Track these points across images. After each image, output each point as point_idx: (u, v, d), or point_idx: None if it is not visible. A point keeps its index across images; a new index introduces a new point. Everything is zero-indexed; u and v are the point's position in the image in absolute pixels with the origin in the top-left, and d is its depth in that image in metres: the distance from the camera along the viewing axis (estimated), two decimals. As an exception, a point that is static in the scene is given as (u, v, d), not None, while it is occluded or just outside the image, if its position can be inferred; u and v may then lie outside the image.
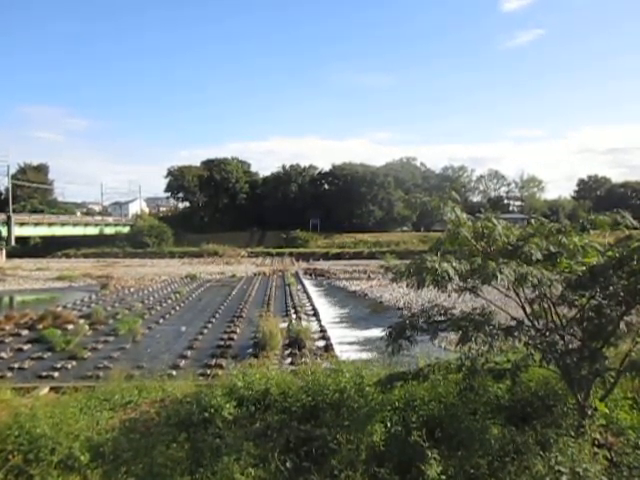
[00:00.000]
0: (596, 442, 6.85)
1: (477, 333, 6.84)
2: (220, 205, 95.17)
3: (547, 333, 7.23)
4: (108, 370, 14.47)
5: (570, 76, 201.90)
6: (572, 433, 6.88)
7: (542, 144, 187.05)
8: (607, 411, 7.48)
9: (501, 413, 7.95)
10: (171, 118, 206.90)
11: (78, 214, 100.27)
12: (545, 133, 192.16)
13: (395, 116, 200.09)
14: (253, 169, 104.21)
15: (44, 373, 14.89)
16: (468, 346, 7.26)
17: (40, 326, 21.58)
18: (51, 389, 12.46)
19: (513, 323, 7.33)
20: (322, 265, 62.48)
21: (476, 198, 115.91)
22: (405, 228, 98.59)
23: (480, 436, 7.21)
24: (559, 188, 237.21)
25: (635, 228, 7.46)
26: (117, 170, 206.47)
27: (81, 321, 23.01)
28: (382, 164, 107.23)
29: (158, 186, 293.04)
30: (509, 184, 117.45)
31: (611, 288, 6.80)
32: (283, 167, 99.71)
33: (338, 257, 73.58)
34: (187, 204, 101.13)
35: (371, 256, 67.49)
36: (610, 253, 7.24)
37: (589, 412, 7.20)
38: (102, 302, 30.55)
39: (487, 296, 7.92)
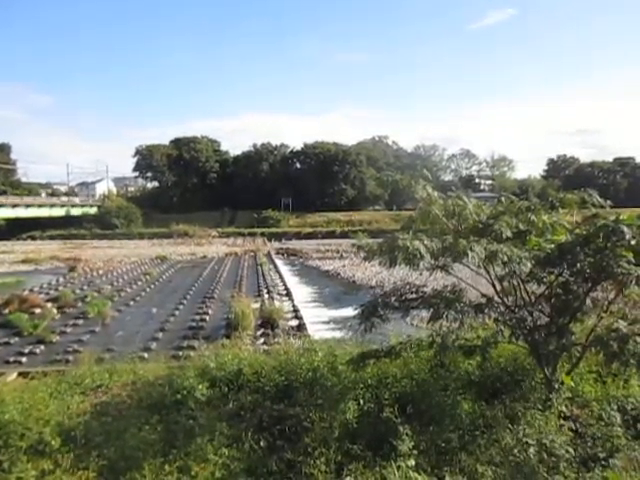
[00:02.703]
0: (562, 414, 7.08)
1: (448, 310, 6.96)
2: (190, 185, 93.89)
3: (516, 310, 7.40)
4: (78, 354, 14.25)
5: (542, 52, 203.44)
6: (539, 406, 7.09)
7: (513, 124, 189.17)
8: (573, 384, 7.72)
9: (471, 389, 8.14)
10: (139, 94, 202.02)
11: (43, 195, 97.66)
12: (516, 113, 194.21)
13: (370, 93, 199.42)
14: (223, 148, 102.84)
15: (11, 359, 14.59)
16: (439, 323, 7.39)
17: (6, 311, 21.10)
18: (19, 374, 12.26)
19: (483, 300, 7.47)
20: (294, 245, 62.46)
21: (448, 177, 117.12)
22: (377, 207, 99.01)
23: (451, 411, 7.38)
24: (529, 168, 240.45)
25: (602, 207, 7.63)
26: (83, 149, 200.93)
27: (49, 305, 22.58)
28: (354, 142, 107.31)
29: (126, 165, 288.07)
30: (480, 163, 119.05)
31: (578, 265, 6.96)
32: (254, 146, 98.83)
33: (310, 237, 73.56)
34: (156, 184, 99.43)
35: (344, 235, 67.50)
36: (578, 231, 7.41)
37: (556, 386, 7.42)
38: (70, 285, 30.01)
39: (458, 274, 8.04)
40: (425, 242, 6.77)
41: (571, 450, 6.05)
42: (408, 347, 8.18)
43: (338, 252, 52.59)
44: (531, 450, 5.94)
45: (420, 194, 7.62)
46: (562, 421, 6.93)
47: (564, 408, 7.22)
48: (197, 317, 20.15)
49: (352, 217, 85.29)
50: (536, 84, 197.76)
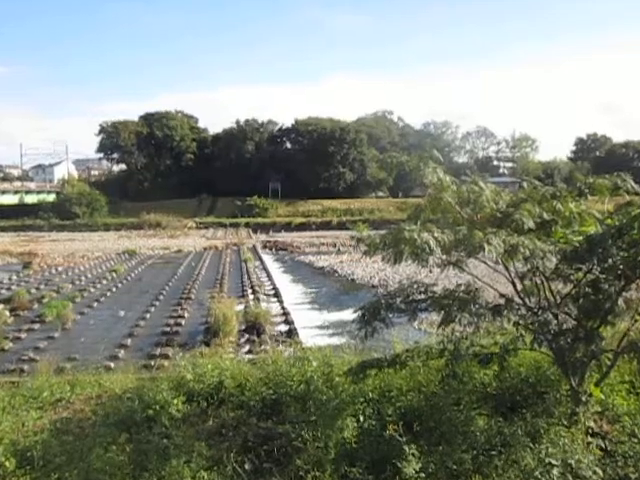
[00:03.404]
0: (590, 431, 7.16)
1: (461, 313, 7.00)
2: (162, 167, 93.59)
3: (539, 312, 7.44)
4: (34, 363, 14.26)
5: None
6: (564, 422, 7.16)
7: (536, 98, 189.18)
8: (602, 397, 7.79)
9: (487, 402, 8.20)
10: (105, 65, 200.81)
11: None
12: (540, 85, 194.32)
13: (372, 62, 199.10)
14: (201, 125, 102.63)
15: (-45, 368, 14.60)
16: (451, 328, 7.43)
17: (-52, 313, 21.05)
18: (-35, 387, 12.25)
19: (502, 301, 7.51)
20: (284, 237, 62.48)
21: (462, 159, 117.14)
22: (380, 193, 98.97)
23: (464, 428, 7.44)
24: (554, 148, 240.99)
25: (636, 193, 7.65)
26: (40, 127, 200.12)
27: (0, 307, 22.56)
28: (353, 119, 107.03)
29: (89, 145, 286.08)
30: (499, 143, 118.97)
31: (610, 260, 6.99)
32: (237, 122, 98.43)
33: (303, 228, 73.55)
34: (123, 167, 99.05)
35: (341, 226, 67.65)
36: (609, 221, 7.44)
37: (583, 398, 7.48)
38: (25, 284, 29.94)
39: (473, 271, 8.08)
40: (435, 234, 6.79)
41: (599, 471, 6.12)
42: (415, 355, 8.23)
43: (335, 246, 52.56)
44: (555, 472, 6.01)
45: (430, 178, 7.63)
46: (590, 438, 7.00)
47: (592, 424, 7.29)
48: (171, 321, 20.17)
49: (351, 205, 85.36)
50: (563, 53, 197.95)
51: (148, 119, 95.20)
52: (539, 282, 7.64)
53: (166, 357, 15.35)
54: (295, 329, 18.94)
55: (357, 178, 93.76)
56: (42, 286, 29.11)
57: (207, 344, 16.06)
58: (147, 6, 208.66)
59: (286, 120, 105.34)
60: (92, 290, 27.71)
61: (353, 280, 32.68)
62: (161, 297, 25.48)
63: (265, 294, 26.52)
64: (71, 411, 8.97)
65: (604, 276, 7.17)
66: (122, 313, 22.02)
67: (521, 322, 7.36)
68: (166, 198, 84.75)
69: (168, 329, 18.99)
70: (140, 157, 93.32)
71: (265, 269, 36.35)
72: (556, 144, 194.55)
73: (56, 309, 21.30)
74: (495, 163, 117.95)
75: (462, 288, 7.69)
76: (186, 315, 21.32)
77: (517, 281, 7.76)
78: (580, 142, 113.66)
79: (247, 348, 16.62)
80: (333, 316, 22.23)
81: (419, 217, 7.87)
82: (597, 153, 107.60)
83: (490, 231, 6.91)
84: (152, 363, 14.40)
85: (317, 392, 8.39)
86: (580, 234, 7.41)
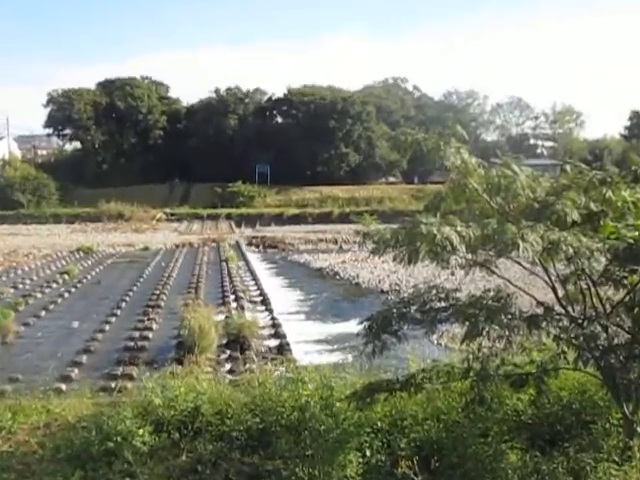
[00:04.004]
0: (647, 469, 7.17)
1: (490, 324, 7.00)
2: (126, 146, 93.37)
3: (585, 323, 7.44)
4: (-34, 385, 14.26)
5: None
6: (615, 458, 7.18)
7: (582, 60, 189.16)
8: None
9: (521, 433, 8.22)
10: (55, 22, 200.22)
11: None
12: (587, 45, 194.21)
13: (382, 15, 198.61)
14: (173, 94, 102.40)
15: None
16: (478, 343, 7.43)
17: None
18: None
19: (539, 310, 7.51)
20: (274, 232, 62.41)
21: (491, 136, 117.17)
22: (391, 179, 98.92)
23: (493, 465, 7.45)
24: (605, 124, 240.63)
25: None
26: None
27: None
28: (359, 87, 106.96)
29: (35, 118, 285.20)
30: (536, 117, 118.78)
31: (672, 261, 7.00)
32: (216, 91, 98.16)
33: (297, 220, 73.46)
34: (78, 145, 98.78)
35: (344, 218, 67.38)
36: (671, 213, 7.44)
37: (638, 429, 7.49)
38: (-45, 288, 29.91)
39: (504, 273, 8.08)
40: (459, 228, 6.78)
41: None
42: (434, 376, 8.24)
43: (336, 242, 52.56)
44: (604, 519, 6.02)
45: (452, 160, 7.63)
46: (647, 478, 7.02)
47: (650, 460, 7.30)
48: (136, 334, 20.16)
49: (356, 193, 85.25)
50: (614, 8, 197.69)
51: (108, 87, 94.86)
52: (585, 287, 7.64)
53: (130, 378, 15.34)
54: (287, 344, 18.94)
55: (363, 160, 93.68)
56: (-23, 291, 29.07)
57: (180, 362, 16.04)
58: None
59: (277, 89, 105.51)
60: (39, 296, 27.66)
61: (358, 284, 32.67)
62: (124, 305, 25.45)
63: (251, 301, 26.50)
64: (13, 443, 8.96)
65: (665, 280, 7.18)
66: (76, 324, 22.00)
67: (563, 336, 7.36)
68: (130, 184, 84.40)
69: (132, 344, 18.97)
70: (98, 133, 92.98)
71: (251, 271, 36.32)
72: (606, 119, 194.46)
73: (-6, 319, 21.26)
74: (532, 142, 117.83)
75: (491, 294, 7.69)
76: (154, 327, 21.30)
77: (558, 286, 7.76)
78: (636, 116, 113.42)
79: (228, 367, 16.62)
80: (334, 328, 22.23)
81: (439, 208, 7.86)
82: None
83: (525, 225, 6.90)
84: (112, 385, 14.37)
85: (314, 420, 8.40)
86: (636, 229, 7.39)
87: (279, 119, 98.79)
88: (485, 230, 6.91)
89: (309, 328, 22.59)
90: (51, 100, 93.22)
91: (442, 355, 12.89)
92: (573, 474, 7.13)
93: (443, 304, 7.81)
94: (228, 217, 75.31)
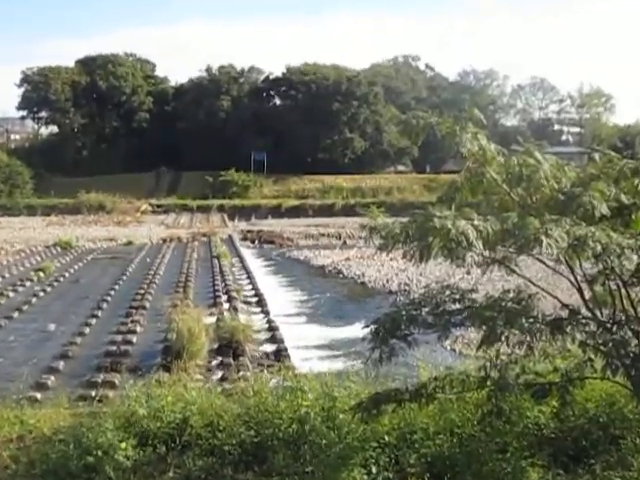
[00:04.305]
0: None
1: (510, 329, 6.99)
2: (108, 130, 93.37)
3: (614, 328, 7.44)
4: None
5: None
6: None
7: (615, 38, 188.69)
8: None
9: (543, 449, 8.22)
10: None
11: None
12: (620, 20, 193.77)
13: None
14: (160, 73, 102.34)
15: None
16: (496, 349, 7.43)
17: None
18: None
19: (564, 313, 7.50)
20: (271, 225, 62.44)
21: (511, 121, 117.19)
22: (401, 167, 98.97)
23: (512, 483, 7.46)
24: (636, 108, 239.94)
25: None
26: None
27: None
28: (366, 66, 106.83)
29: (7, 100, 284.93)
30: (562, 100, 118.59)
31: None
32: (208, 70, 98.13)
33: (296, 213, 73.46)
34: (55, 129, 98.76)
35: (348, 211, 67.27)
36: None
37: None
38: None
39: (526, 272, 8.07)
40: (475, 222, 6.77)
41: None
42: (447, 386, 8.24)
43: (339, 238, 52.60)
44: None
45: (468, 147, 7.61)
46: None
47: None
48: (119, 338, 20.17)
49: (362, 183, 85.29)
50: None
51: (88, 65, 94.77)
52: (614, 288, 7.63)
53: (111, 386, 15.34)
54: (285, 349, 18.96)
55: (370, 146, 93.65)
56: (-57, 290, 29.09)
57: (167, 369, 16.05)
58: None
59: (275, 67, 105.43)
60: (11, 295, 27.69)
61: (363, 284, 32.71)
62: (105, 305, 25.47)
63: (245, 302, 26.56)
64: (-17, 458, 8.97)
65: None
66: (52, 327, 22.00)
67: (590, 342, 7.36)
68: (112, 172, 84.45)
69: (114, 348, 18.99)
70: (77, 116, 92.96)
71: (245, 268, 36.36)
72: (639, 102, 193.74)
73: (-38, 321, 21.30)
74: (556, 127, 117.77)
75: (511, 295, 7.69)
76: (139, 330, 21.31)
77: (585, 287, 7.75)
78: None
79: (220, 374, 16.64)
80: (336, 332, 22.24)
81: (454, 199, 7.85)
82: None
83: (549, 219, 6.89)
84: (92, 394, 14.38)
85: (314, 434, 8.41)
86: (671, 223, 7.40)
87: (277, 101, 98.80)
88: (505, 224, 6.90)
89: (309, 332, 22.61)
90: (25, 79, 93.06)
91: (456, 362, 12.90)
92: (600, 494, 7.14)
93: (458, 306, 7.80)
94: (220, 209, 75.32)
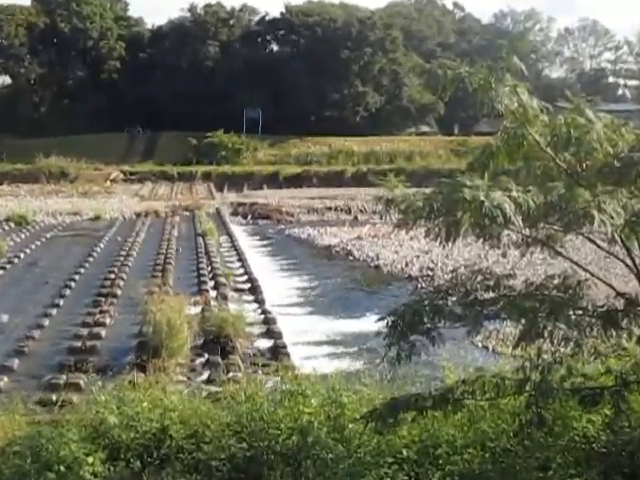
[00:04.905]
0: None
1: (554, 322, 6.98)
2: (71, 82, 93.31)
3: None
4: None
5: None
6: None
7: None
8: None
9: (593, 465, 8.22)
10: None
11: None
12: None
13: None
14: (134, 12, 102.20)
15: None
16: (537, 347, 7.42)
17: None
18: None
19: (619, 304, 7.49)
20: (267, 197, 62.27)
21: (557, 72, 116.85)
22: (424, 128, 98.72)
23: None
24: None
25: None
26: None
27: None
28: (382, 5, 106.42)
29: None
30: (617, 47, 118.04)
31: None
32: (191, 9, 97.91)
33: (297, 182, 73.30)
34: (7, 80, 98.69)
35: (360, 180, 67.17)
36: None
37: None
38: None
39: (573, 255, 8.07)
40: (514, 194, 6.75)
41: None
42: (478, 390, 8.22)
43: (349, 212, 52.60)
44: None
45: (506, 103, 7.57)
46: None
47: None
48: (84, 331, 20.20)
49: (376, 146, 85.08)
50: None
51: (47, 4, 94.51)
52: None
53: (76, 388, 15.37)
54: (284, 346, 18.99)
55: (387, 102, 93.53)
56: None
57: (142, 368, 16.10)
58: None
59: (272, 6, 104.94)
60: (-45, 280, 27.78)
61: (378, 267, 32.73)
62: (68, 292, 25.51)
63: (236, 289, 26.66)
64: None
65: None
66: (5, 318, 22.02)
67: (650, 338, 7.35)
68: (76, 132, 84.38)
69: (79, 344, 19.01)
70: (34, 65, 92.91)
71: (236, 249, 36.39)
72: None
73: None
74: (611, 80, 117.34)
75: (555, 282, 7.66)
76: (108, 322, 21.34)
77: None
78: None
79: (206, 376, 16.69)
80: (345, 325, 22.29)
81: (487, 166, 7.81)
82: None
83: (603, 190, 6.87)
84: (54, 398, 14.45)
85: (318, 447, 8.41)
86: None
87: (274, 47, 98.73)
88: (549, 196, 6.88)
89: (313, 325, 22.65)
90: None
91: (489, 362, 12.90)
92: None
93: (491, 295, 7.79)
94: (206, 177, 75.25)
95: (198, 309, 21.68)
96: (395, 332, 7.59)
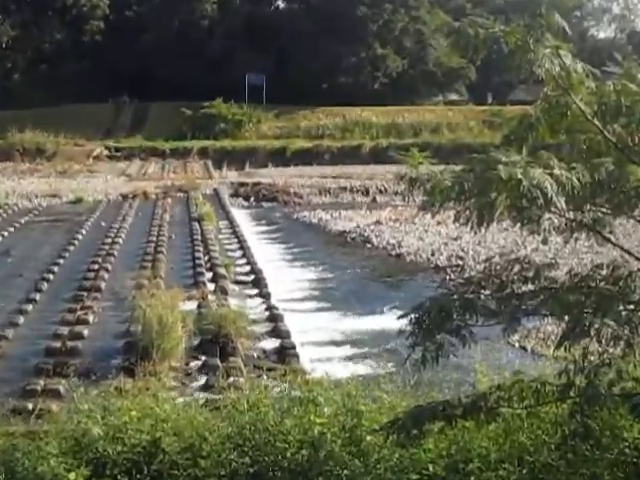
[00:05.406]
0: None
1: (602, 319, 6.96)
2: (48, 46, 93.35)
3: None
4: None
5: None
6: None
7: None
8: None
9: (648, 483, 8.22)
10: None
11: None
12: None
13: None
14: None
15: None
16: (583, 347, 7.41)
17: None
18: None
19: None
20: (272, 177, 62.20)
21: (605, 32, 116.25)
22: (453, 96, 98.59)
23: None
24: None
25: None
26: None
27: None
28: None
29: None
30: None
31: None
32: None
33: (307, 159, 73.09)
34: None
35: (379, 156, 67.14)
36: None
37: None
38: None
39: (624, 243, 8.04)
40: (556, 171, 6.74)
41: None
42: (514, 397, 8.21)
43: (367, 193, 52.57)
44: None
45: (546, 68, 7.54)
46: None
47: None
48: (64, 330, 20.24)
49: (398, 118, 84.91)
50: None
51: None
52: None
53: (55, 395, 15.43)
54: (292, 346, 19.00)
55: (410, 67, 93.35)
56: None
57: (130, 372, 16.14)
58: None
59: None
60: None
61: (400, 256, 32.71)
62: (46, 286, 25.56)
63: (237, 282, 26.72)
64: None
65: None
66: (-27, 316, 22.14)
67: None
68: (55, 103, 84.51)
69: (58, 345, 19.06)
70: (5, 26, 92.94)
71: (237, 235, 36.42)
72: None
73: None
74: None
75: (604, 273, 7.65)
76: (92, 319, 21.38)
77: None
78: None
79: (203, 381, 16.73)
80: (362, 323, 22.30)
81: (525, 140, 7.79)
82: None
83: (659, 166, 6.86)
84: (30, 406, 14.50)
85: (332, 462, 8.42)
86: None
87: (280, 3, 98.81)
88: (596, 174, 6.87)
89: (325, 323, 22.68)
90: None
91: (528, 365, 12.89)
92: None
93: (530, 287, 7.78)
94: (202, 154, 75.24)
95: (194, 305, 21.76)
96: (420, 331, 7.59)
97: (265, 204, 51.18)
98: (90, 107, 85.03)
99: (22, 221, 41.44)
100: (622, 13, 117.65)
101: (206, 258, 29.86)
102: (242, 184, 57.90)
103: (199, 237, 34.59)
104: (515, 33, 7.62)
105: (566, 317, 7.24)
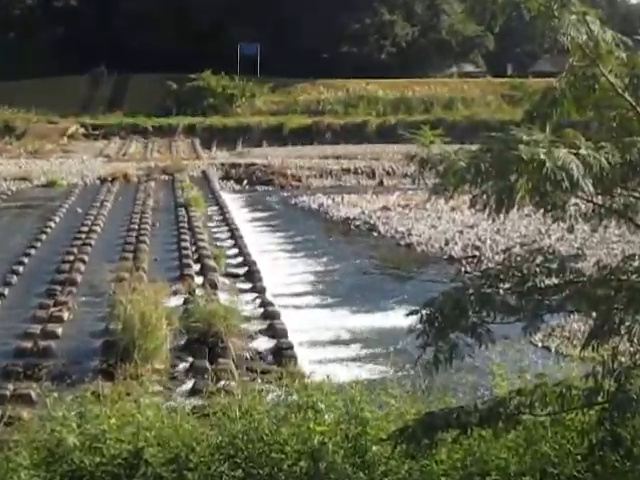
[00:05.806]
0: None
1: (633, 316, 6.98)
2: (17, 12, 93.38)
3: None
4: None
5: None
6: None
7: None
8: None
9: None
10: None
11: None
12: None
13: None
14: None
15: None
16: (612, 346, 7.42)
17: None
18: None
19: None
20: (267, 157, 62.26)
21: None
22: (469, 67, 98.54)
23: None
24: None
25: None
26: None
27: None
28: None
29: None
30: None
31: None
32: None
33: (306, 138, 73.13)
34: None
35: (387, 134, 67.07)
36: None
37: None
38: None
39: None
40: (582, 151, 6.74)
41: None
42: (536, 402, 8.21)
43: (373, 175, 52.60)
44: None
45: (572, 36, 7.54)
46: None
47: None
48: (36, 328, 20.26)
49: (407, 91, 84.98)
50: None
51: None
52: None
53: (26, 401, 15.46)
54: (289, 347, 19.04)
55: (420, 35, 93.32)
56: None
57: (109, 375, 16.17)
58: None
59: None
60: None
61: (410, 246, 32.74)
62: (15, 279, 25.59)
63: (228, 274, 26.73)
64: None
65: None
66: None
67: None
68: (25, 76, 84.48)
69: (29, 345, 19.10)
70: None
71: (228, 223, 36.43)
72: None
73: None
74: None
75: (635, 264, 7.66)
76: (66, 316, 21.39)
77: None
78: None
79: (190, 385, 16.74)
80: (367, 321, 22.34)
81: (549, 116, 7.79)
82: None
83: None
84: (-4, 413, 14.56)
85: (334, 475, 8.43)
86: None
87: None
88: (627, 155, 6.87)
89: (326, 320, 22.71)
90: None
91: (551, 367, 12.90)
92: None
93: (554, 280, 7.78)
94: (190, 132, 75.28)
95: (180, 300, 21.80)
96: (432, 329, 7.58)
97: (259, 188, 51.23)
98: (64, 80, 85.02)
99: (-10, 206, 41.54)
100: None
101: (193, 248, 29.85)
102: (234, 165, 57.91)
103: (186, 225, 34.63)
104: (536, -2, 7.63)
105: (594, 314, 7.25)
